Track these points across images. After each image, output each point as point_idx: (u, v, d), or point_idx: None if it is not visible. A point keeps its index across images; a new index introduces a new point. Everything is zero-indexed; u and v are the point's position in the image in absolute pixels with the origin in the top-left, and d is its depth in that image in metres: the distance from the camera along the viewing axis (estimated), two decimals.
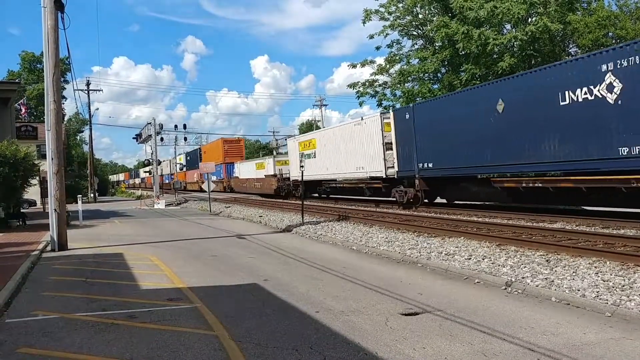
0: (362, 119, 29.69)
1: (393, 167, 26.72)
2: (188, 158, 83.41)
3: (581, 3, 38.70)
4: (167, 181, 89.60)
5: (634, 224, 14.83)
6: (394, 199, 27.00)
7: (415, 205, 25.26)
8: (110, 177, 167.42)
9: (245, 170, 55.69)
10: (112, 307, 8.80)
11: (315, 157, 35.71)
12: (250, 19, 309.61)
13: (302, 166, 24.27)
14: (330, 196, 37.69)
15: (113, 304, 9.08)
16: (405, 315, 7.84)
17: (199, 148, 75.74)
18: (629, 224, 14.98)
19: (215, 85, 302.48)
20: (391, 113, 27.42)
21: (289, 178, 41.97)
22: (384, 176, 27.19)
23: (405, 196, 25.87)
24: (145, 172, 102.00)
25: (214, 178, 59.27)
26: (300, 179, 24.83)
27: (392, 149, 26.71)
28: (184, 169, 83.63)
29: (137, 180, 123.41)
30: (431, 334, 6.94)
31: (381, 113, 28.46)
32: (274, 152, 70.29)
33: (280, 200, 38.26)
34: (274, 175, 45.30)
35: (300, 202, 24.00)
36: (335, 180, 34.97)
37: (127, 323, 7.82)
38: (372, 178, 29.13)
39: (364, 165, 29.12)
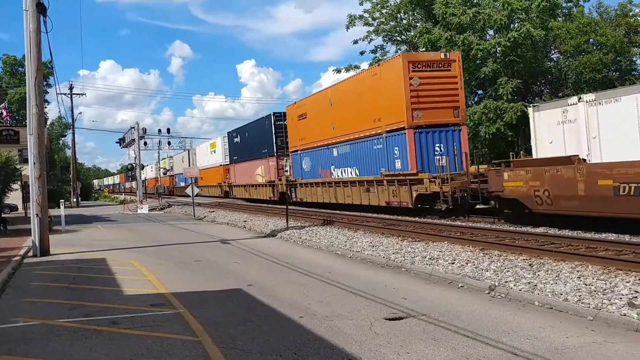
0: None
1: None
2: (236, 139, 46.69)
3: (562, 9, 39.18)
4: (181, 184, 61.47)
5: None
6: None
7: None
8: (103, 179, 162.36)
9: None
10: (95, 313, 8.72)
11: None
12: (240, 25, 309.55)
13: None
14: None
15: (96, 310, 9.00)
16: (390, 320, 7.85)
17: (274, 114, 38.13)
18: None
19: (202, 89, 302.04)
20: None
21: None
22: None
23: None
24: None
25: (368, 181, 26.00)
26: None
27: None
28: (228, 161, 49.64)
29: (135, 184, 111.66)
30: (415, 338, 6.95)
31: None
32: None
33: (265, 205, 36.80)
34: None
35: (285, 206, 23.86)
36: None
37: (109, 329, 7.75)
38: None
39: None
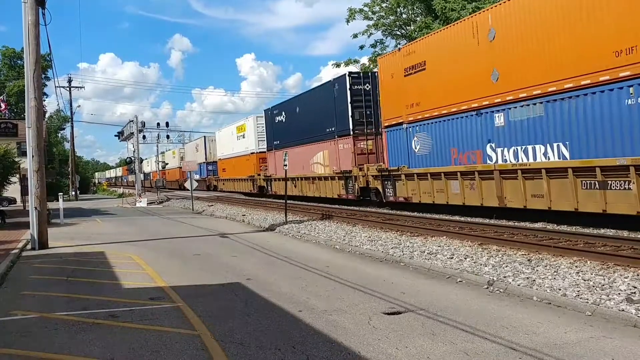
0: None
1: None
2: (279, 118, 36.76)
3: None
4: (195, 176, 41.11)
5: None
6: None
7: None
8: (105, 172, 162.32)
9: None
10: (93, 307, 8.71)
11: None
12: (239, 19, 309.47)
13: None
14: None
15: (94, 303, 8.99)
16: (388, 314, 7.85)
17: (350, 75, 27.33)
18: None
19: (201, 83, 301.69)
20: None
21: None
22: None
23: None
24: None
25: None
26: None
27: None
28: (265, 148, 39.77)
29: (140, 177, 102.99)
30: (414, 333, 6.96)
31: None
32: None
33: (264, 199, 36.57)
34: None
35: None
36: None
37: (108, 322, 7.75)
38: None
39: None
